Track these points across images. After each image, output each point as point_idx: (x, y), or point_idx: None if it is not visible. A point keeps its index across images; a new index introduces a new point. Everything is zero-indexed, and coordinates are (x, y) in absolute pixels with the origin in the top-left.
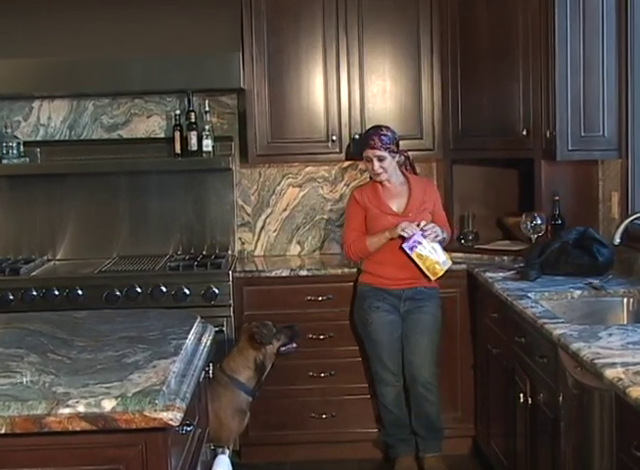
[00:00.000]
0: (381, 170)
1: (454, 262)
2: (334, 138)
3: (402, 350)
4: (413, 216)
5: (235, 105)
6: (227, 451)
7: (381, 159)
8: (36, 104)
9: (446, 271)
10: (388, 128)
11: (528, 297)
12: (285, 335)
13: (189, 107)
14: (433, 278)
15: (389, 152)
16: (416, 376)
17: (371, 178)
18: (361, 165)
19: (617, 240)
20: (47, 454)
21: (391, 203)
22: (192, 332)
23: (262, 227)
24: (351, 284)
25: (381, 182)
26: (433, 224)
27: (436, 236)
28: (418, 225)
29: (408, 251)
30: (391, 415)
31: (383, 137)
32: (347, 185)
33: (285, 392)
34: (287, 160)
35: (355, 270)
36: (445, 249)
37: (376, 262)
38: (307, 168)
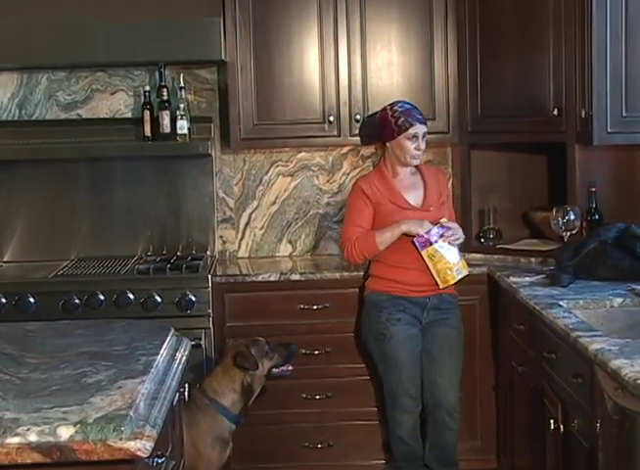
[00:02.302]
0: (422, 150)
1: (472, 265)
2: (331, 119)
3: (422, 369)
4: (435, 211)
5: (215, 80)
6: None
7: (424, 136)
8: None
9: (459, 281)
10: None
11: (560, 305)
12: (279, 354)
13: (161, 82)
14: (441, 285)
15: None
16: (442, 401)
17: (375, 167)
18: (364, 151)
19: None
20: None
21: (407, 195)
22: (164, 347)
23: (247, 224)
24: (351, 291)
25: (403, 167)
26: (456, 225)
27: (457, 239)
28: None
29: (419, 246)
30: (406, 447)
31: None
32: (347, 174)
33: (274, 417)
34: (276, 144)
35: (357, 274)
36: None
37: (394, 266)
38: (300, 155)
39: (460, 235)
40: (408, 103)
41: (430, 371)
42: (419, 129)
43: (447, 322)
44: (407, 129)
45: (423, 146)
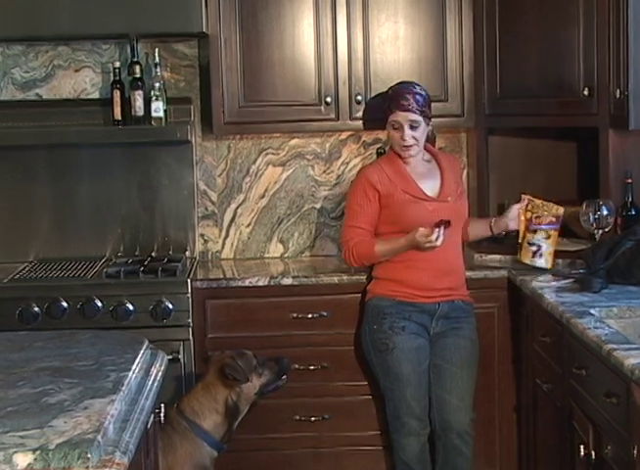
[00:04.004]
0: (412, 142)
1: (490, 267)
2: (328, 100)
3: (429, 385)
4: (453, 202)
5: (195, 55)
6: None
7: (414, 125)
8: None
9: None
10: (420, 86)
11: (591, 314)
12: (270, 370)
13: (133, 57)
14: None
15: (425, 117)
16: (451, 422)
17: (379, 154)
18: (366, 137)
19: None
20: None
21: (423, 184)
22: (137, 361)
23: (232, 220)
24: (352, 297)
25: (404, 158)
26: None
27: None
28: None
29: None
30: None
31: (417, 97)
32: (347, 163)
33: (262, 442)
34: (265, 129)
35: (358, 278)
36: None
37: (402, 265)
38: (293, 141)
39: None
40: (407, 84)
41: (437, 388)
42: (401, 117)
43: (459, 332)
44: (388, 116)
45: (407, 135)
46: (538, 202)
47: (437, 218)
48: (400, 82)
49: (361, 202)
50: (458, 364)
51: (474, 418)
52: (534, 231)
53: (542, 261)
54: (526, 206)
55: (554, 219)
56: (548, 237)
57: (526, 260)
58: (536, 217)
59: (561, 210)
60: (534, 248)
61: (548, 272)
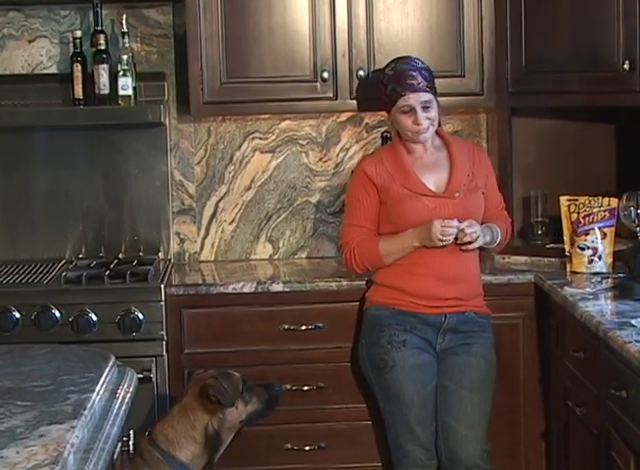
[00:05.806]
0: (427, 124)
1: (514, 271)
2: (325, 75)
3: (436, 409)
4: (462, 198)
5: (169, 23)
6: None
7: (427, 106)
8: None
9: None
10: (419, 59)
11: (633, 325)
12: (258, 398)
13: (96, 26)
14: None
15: (434, 94)
16: (458, 453)
17: (384, 141)
18: (369, 118)
19: None
20: None
21: (426, 178)
22: (101, 381)
23: (213, 216)
24: (352, 305)
25: (412, 143)
26: (474, 224)
27: (474, 239)
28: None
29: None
30: None
31: (424, 72)
32: (346, 150)
33: None
34: (251, 110)
35: (359, 283)
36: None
37: (404, 272)
38: (284, 124)
39: (478, 231)
40: (407, 60)
41: (444, 413)
42: (412, 100)
43: (471, 350)
44: (396, 101)
45: (421, 118)
46: (582, 199)
47: (439, 217)
48: (397, 59)
49: (359, 197)
50: (468, 387)
51: (488, 449)
52: (585, 233)
53: (601, 264)
54: (568, 207)
55: (607, 214)
56: (604, 236)
57: (582, 269)
58: (585, 217)
59: (614, 201)
60: (589, 252)
61: (609, 276)
